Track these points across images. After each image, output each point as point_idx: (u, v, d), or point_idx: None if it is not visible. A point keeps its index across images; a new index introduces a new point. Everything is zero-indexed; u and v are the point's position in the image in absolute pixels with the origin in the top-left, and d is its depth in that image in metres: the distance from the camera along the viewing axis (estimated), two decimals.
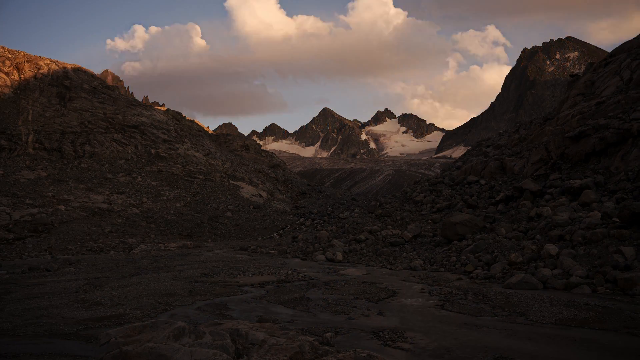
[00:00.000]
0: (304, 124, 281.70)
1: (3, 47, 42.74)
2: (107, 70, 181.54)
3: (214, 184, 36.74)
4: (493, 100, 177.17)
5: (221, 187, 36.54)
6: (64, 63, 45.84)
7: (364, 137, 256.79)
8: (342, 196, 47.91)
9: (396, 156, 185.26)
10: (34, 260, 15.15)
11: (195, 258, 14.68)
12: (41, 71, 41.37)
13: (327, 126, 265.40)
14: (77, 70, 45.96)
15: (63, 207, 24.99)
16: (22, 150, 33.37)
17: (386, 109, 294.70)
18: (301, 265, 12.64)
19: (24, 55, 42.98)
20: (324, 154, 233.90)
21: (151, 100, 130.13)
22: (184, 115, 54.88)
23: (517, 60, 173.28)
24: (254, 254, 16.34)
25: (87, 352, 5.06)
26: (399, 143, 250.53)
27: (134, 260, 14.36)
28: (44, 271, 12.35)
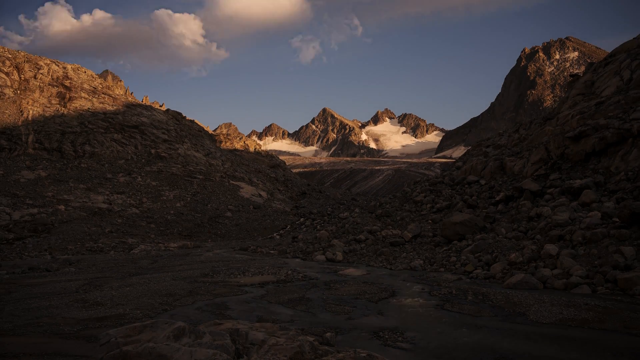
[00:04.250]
0: (304, 124, 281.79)
1: (3, 47, 42.75)
2: (107, 70, 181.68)
3: (214, 184, 36.75)
4: (493, 100, 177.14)
5: (221, 187, 36.56)
6: (64, 63, 45.86)
7: (364, 137, 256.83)
8: (342, 196, 47.94)
9: (396, 156, 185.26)
10: (34, 260, 15.15)
11: (195, 258, 14.67)
12: (41, 71, 41.37)
13: (327, 126, 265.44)
14: (77, 70, 45.97)
15: (63, 207, 24.99)
16: (22, 150, 33.37)
17: (386, 109, 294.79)
18: (301, 265, 12.63)
19: (24, 55, 42.98)
20: (324, 154, 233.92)
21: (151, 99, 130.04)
22: (183, 115, 54.89)
23: (517, 60, 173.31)
24: (254, 254, 16.34)
25: (87, 352, 5.06)
26: (399, 143, 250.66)
27: (134, 260, 14.36)
28: (44, 271, 12.35)
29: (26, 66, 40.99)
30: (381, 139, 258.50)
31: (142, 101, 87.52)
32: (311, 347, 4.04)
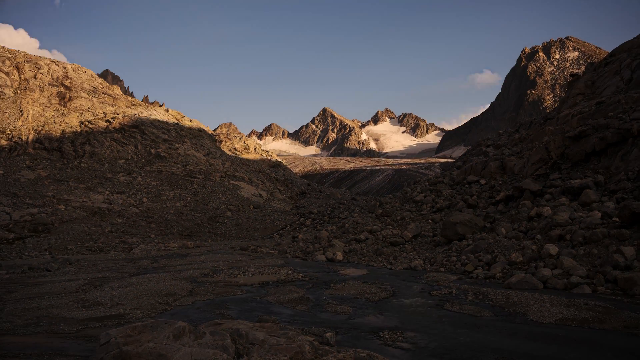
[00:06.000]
0: (304, 124, 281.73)
1: (3, 47, 42.76)
2: (107, 70, 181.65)
3: (214, 184, 36.75)
4: (493, 100, 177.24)
5: (221, 187, 36.55)
6: (64, 63, 45.90)
7: (364, 137, 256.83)
8: (342, 196, 47.92)
9: (396, 156, 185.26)
10: (34, 260, 15.15)
11: (195, 258, 14.68)
12: (41, 71, 41.38)
13: (327, 126, 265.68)
14: (77, 69, 45.99)
15: (63, 206, 24.99)
16: (22, 150, 33.37)
17: (386, 109, 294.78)
18: (301, 265, 12.64)
19: (24, 55, 42.99)
20: (324, 154, 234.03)
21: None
22: (183, 115, 54.90)
23: (517, 60, 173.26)
24: (254, 253, 16.33)
25: (87, 352, 5.06)
26: (399, 143, 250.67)
27: (134, 260, 14.36)
28: (44, 271, 12.35)
29: (26, 66, 40.99)
30: (381, 138, 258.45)
31: (142, 101, 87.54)
32: (311, 347, 4.04)
